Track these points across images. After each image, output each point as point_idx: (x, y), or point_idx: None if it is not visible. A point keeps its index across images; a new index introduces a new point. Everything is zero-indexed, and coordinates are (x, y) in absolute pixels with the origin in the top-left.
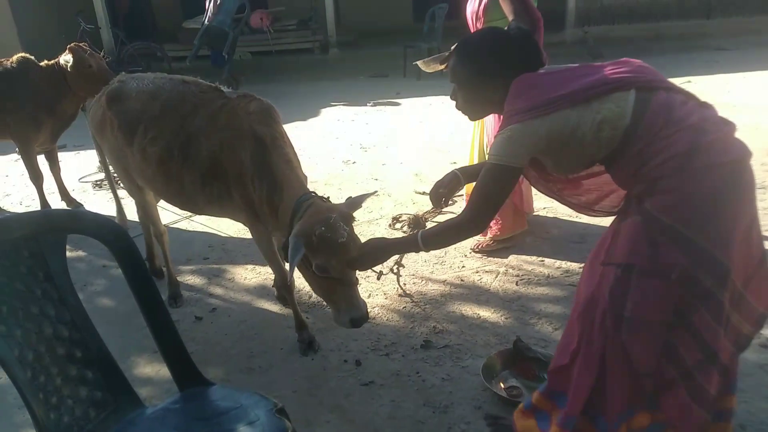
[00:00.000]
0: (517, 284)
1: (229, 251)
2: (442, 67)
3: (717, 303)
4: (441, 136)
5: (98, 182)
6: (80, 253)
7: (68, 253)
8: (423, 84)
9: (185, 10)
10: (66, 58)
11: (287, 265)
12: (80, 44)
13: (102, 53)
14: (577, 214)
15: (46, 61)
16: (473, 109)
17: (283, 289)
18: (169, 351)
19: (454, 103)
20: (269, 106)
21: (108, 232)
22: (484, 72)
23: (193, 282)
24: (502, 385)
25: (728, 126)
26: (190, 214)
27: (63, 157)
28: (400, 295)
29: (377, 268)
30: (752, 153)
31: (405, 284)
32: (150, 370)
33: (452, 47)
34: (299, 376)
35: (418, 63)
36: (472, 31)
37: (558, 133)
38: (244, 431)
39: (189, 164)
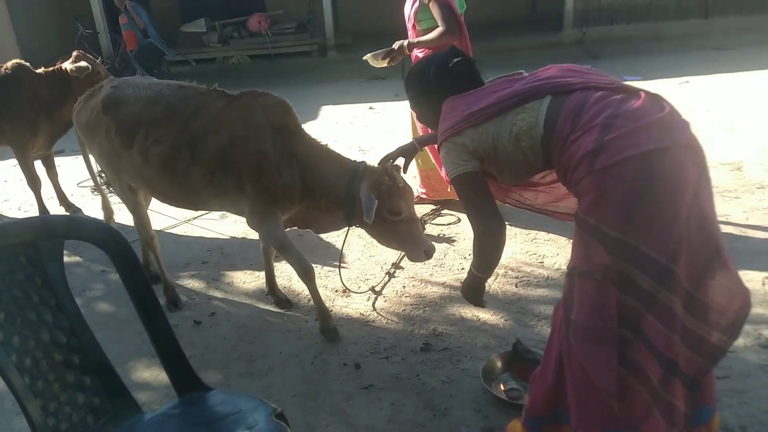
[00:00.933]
0: (516, 286)
1: (228, 255)
2: (385, 63)
3: (664, 308)
4: None
5: (96, 187)
6: (78, 258)
7: (66, 258)
8: None
9: (183, 14)
10: (80, 65)
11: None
12: (80, 50)
13: (99, 59)
14: None
15: (43, 68)
16: (434, 129)
17: (304, 278)
18: (167, 356)
19: None
20: (283, 100)
21: (106, 238)
22: (420, 97)
23: (192, 286)
24: (502, 387)
25: (651, 117)
26: (188, 217)
27: (61, 162)
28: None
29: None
30: (689, 139)
31: (404, 287)
32: (148, 375)
33: (394, 44)
34: (299, 380)
35: (367, 57)
36: (408, 29)
37: (480, 143)
38: None
39: (197, 161)
